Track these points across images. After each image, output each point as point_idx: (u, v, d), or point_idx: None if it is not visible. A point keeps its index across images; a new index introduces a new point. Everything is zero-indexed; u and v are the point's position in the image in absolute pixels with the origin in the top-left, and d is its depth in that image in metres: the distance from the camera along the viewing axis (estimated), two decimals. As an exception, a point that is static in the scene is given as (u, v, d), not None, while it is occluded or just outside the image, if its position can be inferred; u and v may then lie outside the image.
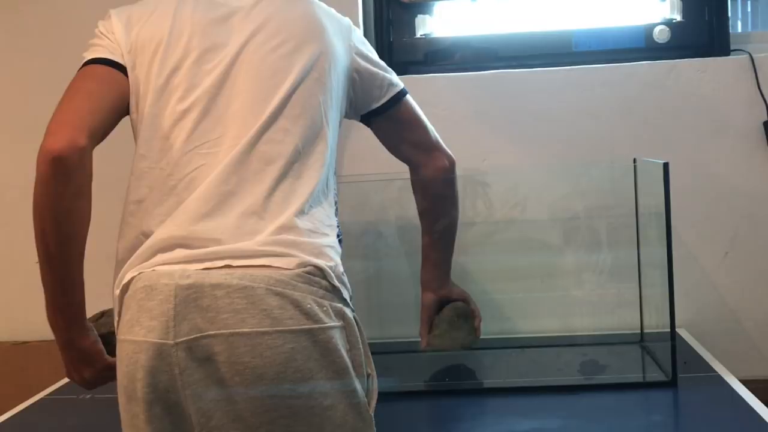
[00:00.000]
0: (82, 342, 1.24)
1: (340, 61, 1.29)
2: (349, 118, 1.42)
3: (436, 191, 1.52)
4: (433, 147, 1.48)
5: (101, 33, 1.27)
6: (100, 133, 1.16)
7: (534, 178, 1.96)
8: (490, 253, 1.92)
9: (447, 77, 2.00)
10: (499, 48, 2.06)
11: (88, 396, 1.66)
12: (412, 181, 1.53)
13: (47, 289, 1.18)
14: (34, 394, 1.70)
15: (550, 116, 1.98)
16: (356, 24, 1.62)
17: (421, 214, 1.56)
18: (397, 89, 1.41)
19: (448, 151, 1.50)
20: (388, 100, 1.40)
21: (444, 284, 1.61)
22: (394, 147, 1.48)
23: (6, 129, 2.14)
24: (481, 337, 1.74)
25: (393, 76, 1.42)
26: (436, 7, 2.07)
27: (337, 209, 1.26)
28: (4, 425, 1.53)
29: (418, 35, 2.07)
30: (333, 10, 1.35)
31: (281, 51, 1.22)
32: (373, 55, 1.39)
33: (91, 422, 1.54)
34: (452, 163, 1.50)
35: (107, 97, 1.20)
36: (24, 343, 2.12)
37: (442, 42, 2.07)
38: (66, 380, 1.79)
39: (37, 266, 2.10)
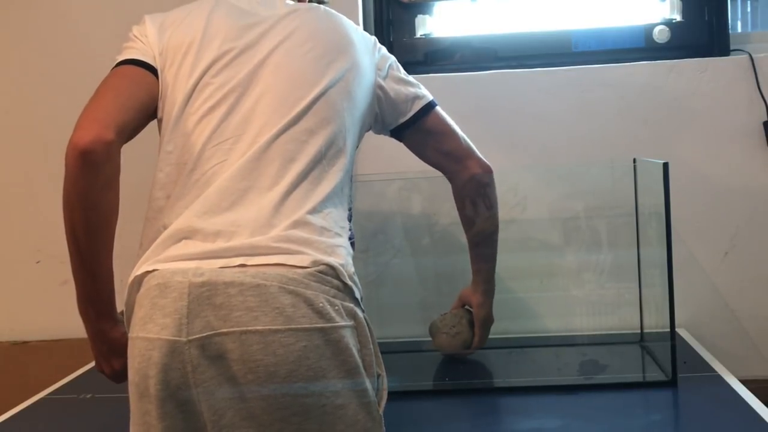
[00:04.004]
0: (112, 333, 1.25)
1: (366, 76, 1.32)
2: (378, 133, 1.45)
3: (470, 198, 1.54)
4: (465, 155, 1.50)
5: (135, 36, 1.29)
6: (128, 130, 1.17)
7: (534, 178, 1.96)
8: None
9: (446, 77, 2.00)
10: (499, 48, 2.06)
11: (89, 396, 1.67)
12: (452, 190, 1.55)
13: (77, 281, 1.20)
14: (34, 394, 1.70)
15: (549, 116, 1.99)
16: (356, 24, 1.62)
17: (462, 223, 1.59)
18: (424, 102, 1.43)
19: (483, 158, 1.51)
20: (415, 114, 1.42)
21: (484, 302, 1.67)
22: (425, 157, 1.51)
23: (6, 129, 2.14)
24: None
25: (420, 90, 1.44)
26: (436, 7, 2.08)
27: (351, 215, 1.27)
28: (5, 425, 1.53)
29: (417, 35, 2.07)
30: (360, 27, 1.38)
31: (311, 56, 1.25)
32: (399, 70, 1.42)
33: (91, 422, 1.54)
34: (486, 170, 1.52)
35: (136, 96, 1.21)
36: (24, 342, 2.13)
37: (441, 42, 2.07)
38: (66, 380, 1.80)
39: (37, 267, 2.13)
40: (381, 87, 1.36)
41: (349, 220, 1.27)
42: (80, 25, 2.09)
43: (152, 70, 1.25)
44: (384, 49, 1.42)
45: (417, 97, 1.42)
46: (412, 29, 2.07)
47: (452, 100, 1.98)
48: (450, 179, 1.53)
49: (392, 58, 1.42)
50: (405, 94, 1.40)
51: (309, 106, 1.20)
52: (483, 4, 2.09)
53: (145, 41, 1.27)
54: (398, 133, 1.45)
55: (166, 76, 1.24)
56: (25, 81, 2.12)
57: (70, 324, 2.11)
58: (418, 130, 1.44)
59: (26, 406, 1.63)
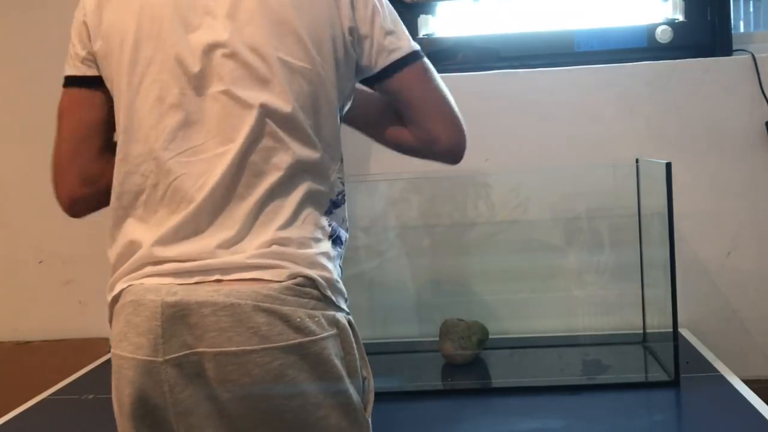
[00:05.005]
0: None
1: (330, 29, 1.12)
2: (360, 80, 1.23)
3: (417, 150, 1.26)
4: (438, 138, 1.22)
5: (74, 27, 1.18)
6: (95, 169, 1.17)
7: (536, 179, 1.96)
8: (492, 253, 1.91)
9: (449, 77, 1.96)
10: (502, 48, 2.06)
11: (91, 396, 1.67)
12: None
13: None
14: (37, 395, 1.70)
15: (552, 116, 1.99)
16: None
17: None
18: (396, 57, 1.17)
19: (457, 142, 1.22)
20: (381, 71, 1.18)
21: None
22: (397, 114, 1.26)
23: (9, 130, 2.14)
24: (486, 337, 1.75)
25: (397, 41, 1.18)
26: (439, 7, 2.07)
27: (343, 197, 1.19)
28: (7, 425, 1.53)
29: (420, 35, 2.07)
30: None
31: (262, 40, 1.09)
32: (372, 15, 1.17)
33: (93, 422, 1.54)
34: (455, 155, 1.23)
35: (91, 128, 1.17)
36: (26, 342, 2.13)
37: (444, 42, 2.07)
38: (69, 380, 1.80)
39: (39, 267, 2.13)
40: (348, 30, 1.14)
41: (341, 204, 1.18)
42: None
43: (97, 80, 1.16)
44: None
45: (383, 50, 1.17)
46: (415, 29, 2.06)
47: (455, 100, 1.99)
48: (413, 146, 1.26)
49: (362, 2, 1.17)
50: (373, 45, 1.17)
51: (269, 104, 1.08)
52: (485, 4, 2.08)
53: (83, 32, 1.16)
54: (367, 83, 1.22)
55: (109, 67, 1.14)
56: (26, 81, 2.12)
57: (73, 324, 2.12)
58: (383, 90, 1.21)
59: (29, 407, 1.64)
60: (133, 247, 1.10)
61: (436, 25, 2.07)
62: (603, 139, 1.98)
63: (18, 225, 2.14)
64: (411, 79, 1.19)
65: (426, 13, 2.06)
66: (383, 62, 1.17)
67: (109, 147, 1.17)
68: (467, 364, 1.73)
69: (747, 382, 1.53)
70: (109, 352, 2.02)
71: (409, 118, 1.22)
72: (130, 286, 1.07)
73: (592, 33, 2.03)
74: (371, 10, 1.17)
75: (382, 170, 1.91)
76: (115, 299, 1.10)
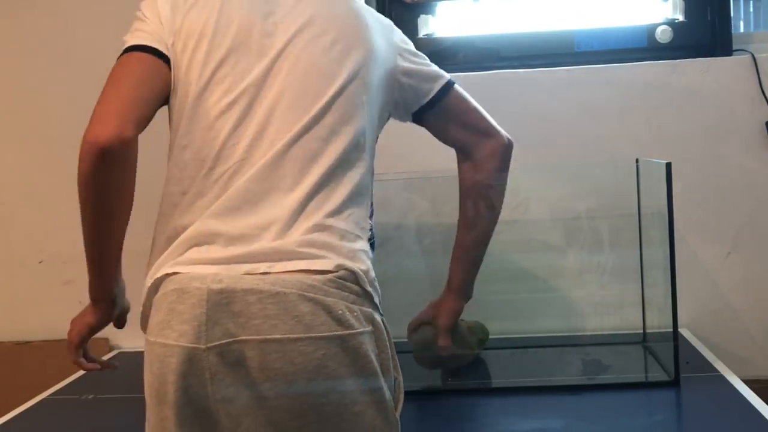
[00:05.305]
0: (100, 309, 1.32)
1: (384, 62, 1.27)
2: (402, 120, 1.41)
3: (487, 172, 1.46)
4: (487, 128, 1.44)
5: (144, 16, 1.23)
6: (144, 123, 1.14)
7: (536, 179, 1.96)
8: (492, 253, 1.90)
9: (449, 77, 2.00)
10: (502, 48, 2.06)
11: (91, 396, 1.67)
12: (459, 164, 1.46)
13: (87, 259, 1.21)
14: (37, 394, 1.71)
15: (552, 116, 1.98)
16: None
17: (463, 205, 1.49)
18: (444, 80, 1.38)
19: (506, 134, 1.46)
20: (437, 93, 1.36)
21: (468, 293, 1.57)
22: (448, 137, 1.44)
23: (10, 130, 2.14)
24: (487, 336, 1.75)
25: (438, 69, 1.39)
26: (439, 7, 2.07)
27: (372, 211, 1.26)
28: (7, 425, 1.53)
29: (420, 35, 2.07)
30: (374, 10, 1.33)
31: (328, 48, 1.20)
32: (416, 53, 1.36)
33: (93, 422, 1.54)
34: (509, 144, 1.46)
35: (153, 87, 1.17)
36: (26, 342, 2.13)
37: (444, 42, 2.07)
38: (69, 380, 1.80)
39: (39, 267, 2.13)
40: (403, 71, 1.31)
41: (370, 216, 1.25)
42: (82, 26, 2.09)
43: (164, 57, 1.19)
44: (400, 32, 1.36)
45: (438, 76, 1.37)
46: (415, 29, 2.06)
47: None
48: (471, 153, 1.45)
49: (407, 40, 1.37)
50: (426, 73, 1.35)
51: (329, 103, 1.16)
52: (485, 4, 2.08)
53: (156, 22, 1.21)
54: (420, 115, 1.39)
55: (180, 62, 1.19)
56: (27, 81, 2.12)
57: (73, 324, 2.12)
58: (441, 109, 1.38)
59: (29, 407, 1.64)
60: (181, 229, 1.12)
61: (436, 25, 2.07)
62: (603, 139, 1.98)
63: (18, 225, 2.14)
64: (458, 97, 1.40)
65: (426, 13, 2.06)
66: (437, 86, 1.36)
67: (150, 120, 1.18)
68: (467, 364, 1.73)
69: (747, 382, 1.53)
70: (110, 351, 2.04)
71: (469, 129, 1.43)
72: (174, 274, 1.08)
73: (592, 33, 2.03)
74: (410, 49, 1.35)
75: (381, 170, 1.91)
76: (156, 285, 1.10)
